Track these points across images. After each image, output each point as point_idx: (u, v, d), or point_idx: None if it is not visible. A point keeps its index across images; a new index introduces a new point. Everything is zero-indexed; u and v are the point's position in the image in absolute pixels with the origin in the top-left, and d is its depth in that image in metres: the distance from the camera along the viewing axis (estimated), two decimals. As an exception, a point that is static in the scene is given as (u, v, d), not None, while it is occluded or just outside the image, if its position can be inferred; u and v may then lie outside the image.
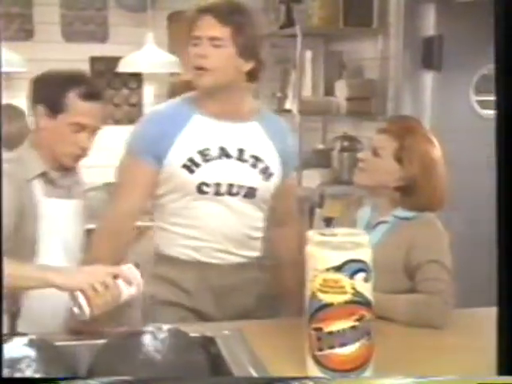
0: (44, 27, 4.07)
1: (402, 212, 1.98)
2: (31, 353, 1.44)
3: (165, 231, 2.09)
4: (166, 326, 1.52)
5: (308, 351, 1.43)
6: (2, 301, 1.15)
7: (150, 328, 1.51)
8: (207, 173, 2.01)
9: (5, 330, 1.52)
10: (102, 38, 4.18)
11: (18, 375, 1.40)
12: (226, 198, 2.03)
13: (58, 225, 1.94)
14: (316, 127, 4.14)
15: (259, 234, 2.14)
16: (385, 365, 1.44)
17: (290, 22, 3.80)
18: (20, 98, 3.98)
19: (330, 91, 3.81)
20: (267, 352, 1.57)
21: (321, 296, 1.40)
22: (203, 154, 2.01)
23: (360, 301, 1.40)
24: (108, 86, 4.21)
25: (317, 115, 3.85)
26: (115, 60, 3.93)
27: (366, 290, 1.41)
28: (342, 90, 3.67)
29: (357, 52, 3.89)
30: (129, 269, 1.72)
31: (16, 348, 1.45)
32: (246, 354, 1.57)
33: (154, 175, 2.03)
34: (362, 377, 1.41)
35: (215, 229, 2.04)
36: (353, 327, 1.40)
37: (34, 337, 1.50)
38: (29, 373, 1.41)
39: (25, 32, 4.04)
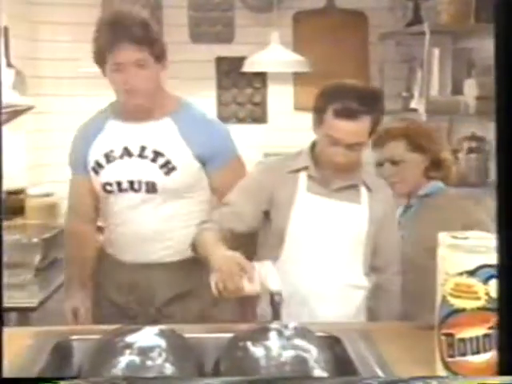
0: (172, 29, 4.19)
1: (422, 190, 2.31)
2: (162, 342, 1.49)
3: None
4: (292, 324, 1.52)
5: (438, 356, 1.40)
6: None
7: (276, 325, 1.52)
8: (109, 173, 2.15)
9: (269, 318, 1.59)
10: (228, 39, 4.25)
11: (149, 363, 1.46)
12: (130, 194, 2.13)
13: (313, 221, 1.98)
14: (442, 127, 4.02)
15: (179, 234, 2.13)
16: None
17: (417, 20, 3.72)
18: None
19: (457, 90, 3.69)
20: (393, 354, 1.55)
21: (452, 301, 1.35)
22: (107, 155, 2.15)
23: (494, 308, 1.34)
24: (233, 85, 4.29)
25: (444, 115, 3.74)
26: (240, 60, 3.99)
27: (501, 296, 1.35)
28: (470, 88, 3.54)
29: (487, 49, 3.73)
30: (258, 267, 1.74)
31: (147, 337, 1.51)
32: (373, 354, 1.55)
33: (92, 186, 2.21)
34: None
35: (124, 226, 2.17)
36: (486, 335, 1.34)
37: (164, 327, 1.56)
38: (160, 361, 1.46)
39: (154, 34, 4.18)
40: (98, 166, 2.16)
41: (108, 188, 2.16)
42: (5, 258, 1.99)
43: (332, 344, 1.60)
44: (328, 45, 4.20)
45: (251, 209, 2.00)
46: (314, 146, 2.05)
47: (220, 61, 4.26)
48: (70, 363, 1.67)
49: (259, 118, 4.32)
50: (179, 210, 2.15)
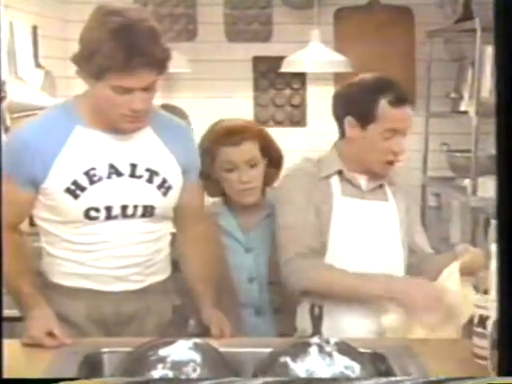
0: (207, 27, 4.22)
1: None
2: (196, 357, 1.50)
3: (53, 257, 1.95)
4: (333, 339, 1.52)
5: (492, 374, 1.38)
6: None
7: (317, 340, 1.52)
8: (95, 196, 1.86)
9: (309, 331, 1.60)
10: (266, 37, 4.26)
11: (183, 377, 1.47)
12: (121, 221, 1.89)
13: (351, 224, 2.02)
14: (494, 131, 3.97)
15: (165, 255, 2.01)
16: None
17: (467, 16, 3.68)
18: (182, 99, 4.19)
19: (511, 91, 3.64)
20: (439, 371, 1.54)
21: (507, 316, 1.33)
22: (89, 174, 1.85)
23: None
24: (271, 86, 4.30)
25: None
26: (278, 59, 3.99)
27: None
28: (525, 89, 3.49)
29: (544, 47, 3.68)
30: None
31: (181, 351, 1.51)
32: (418, 372, 1.54)
33: (28, 200, 1.88)
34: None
35: (111, 255, 1.91)
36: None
37: (198, 341, 1.56)
38: (194, 376, 1.46)
39: (188, 32, 4.20)
40: (76, 188, 1.84)
41: (93, 215, 1.86)
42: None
43: (375, 360, 1.60)
44: (371, 43, 4.18)
45: (311, 216, 2.01)
46: (339, 149, 2.10)
47: (257, 60, 4.27)
48: (100, 377, 1.68)
49: (298, 120, 4.33)
50: (160, 233, 1.99)
